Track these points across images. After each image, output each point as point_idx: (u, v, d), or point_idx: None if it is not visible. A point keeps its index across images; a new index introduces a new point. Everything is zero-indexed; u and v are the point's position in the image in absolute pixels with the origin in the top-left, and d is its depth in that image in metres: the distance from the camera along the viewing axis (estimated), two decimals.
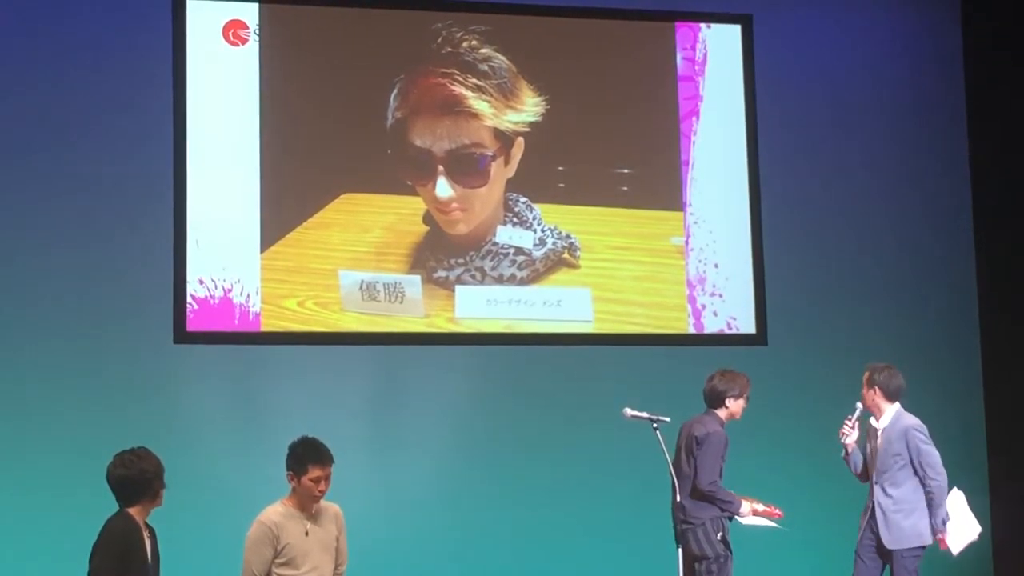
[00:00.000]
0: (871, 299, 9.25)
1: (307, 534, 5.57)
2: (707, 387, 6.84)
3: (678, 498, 6.56)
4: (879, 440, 6.90)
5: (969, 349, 9.36)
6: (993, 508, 9.10)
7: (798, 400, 8.64)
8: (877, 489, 6.84)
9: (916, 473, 6.82)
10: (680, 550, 6.56)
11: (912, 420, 6.91)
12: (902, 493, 6.81)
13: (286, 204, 8.51)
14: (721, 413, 6.80)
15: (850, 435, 6.94)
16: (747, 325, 9.04)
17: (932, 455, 6.84)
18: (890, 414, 6.92)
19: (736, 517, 6.70)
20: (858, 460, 7.01)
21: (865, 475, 7.02)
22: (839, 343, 8.84)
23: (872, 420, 6.98)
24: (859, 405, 6.93)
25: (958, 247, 9.43)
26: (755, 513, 6.72)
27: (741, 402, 6.82)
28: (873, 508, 6.84)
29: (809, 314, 9.09)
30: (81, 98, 8.26)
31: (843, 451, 7.01)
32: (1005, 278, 9.27)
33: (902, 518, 6.79)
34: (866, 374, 6.98)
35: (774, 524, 6.79)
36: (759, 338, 9.01)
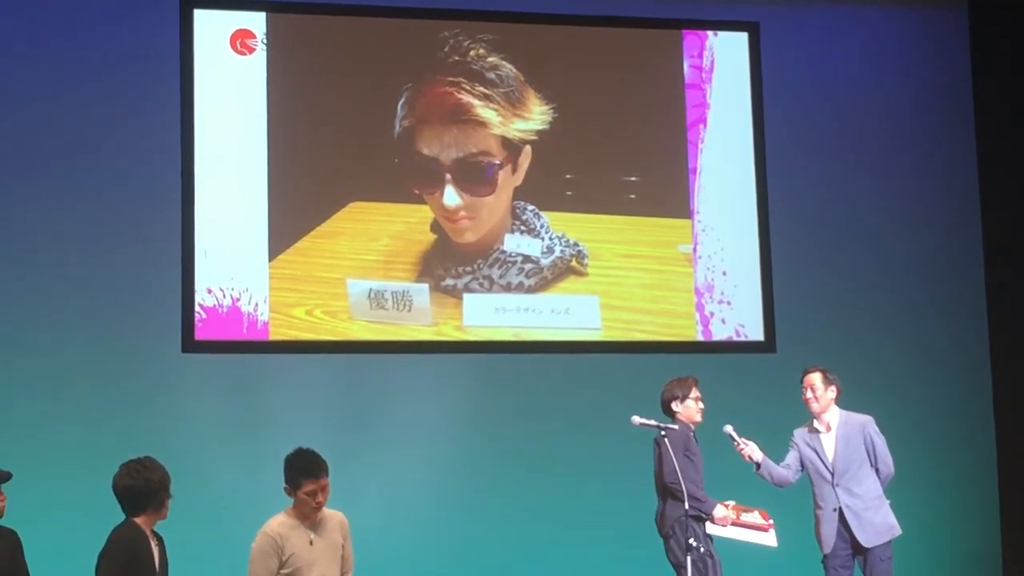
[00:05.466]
0: (880, 306, 9.24)
1: (311, 543, 5.57)
2: (660, 401, 6.92)
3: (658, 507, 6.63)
4: (834, 441, 6.94)
5: (978, 355, 9.34)
6: (1003, 513, 9.12)
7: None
8: (841, 491, 6.87)
9: (872, 465, 6.92)
10: (689, 558, 6.55)
11: (864, 415, 7.02)
12: (866, 489, 6.88)
13: (294, 213, 8.52)
14: (679, 418, 6.84)
15: (752, 449, 6.95)
16: (755, 332, 9.04)
17: (885, 444, 6.96)
18: (836, 414, 7.00)
19: (711, 523, 6.67)
20: (772, 468, 6.99)
21: (782, 482, 7.01)
22: (848, 350, 8.82)
23: (815, 423, 7.02)
24: (728, 426, 6.91)
25: (967, 253, 9.42)
26: (736, 523, 6.69)
27: (689, 403, 6.87)
28: (841, 512, 6.85)
29: (818, 321, 9.08)
30: (88, 107, 8.29)
31: (755, 467, 6.98)
32: (1014, 284, 9.26)
33: (872, 515, 6.86)
34: (816, 375, 7.01)
35: (759, 540, 6.74)
36: (768, 345, 9.02)
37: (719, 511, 6.67)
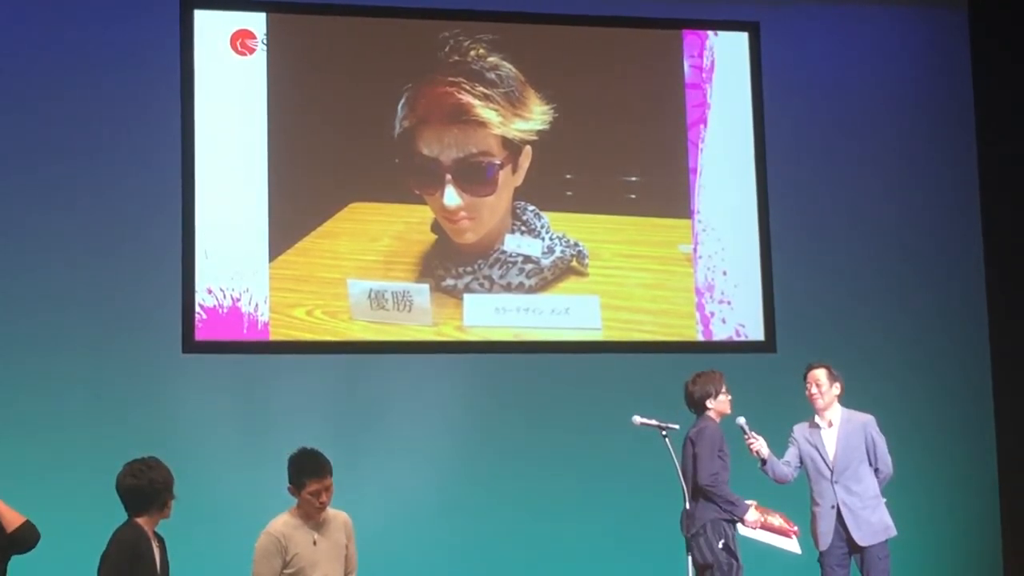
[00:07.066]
0: (880, 305, 9.24)
1: (315, 543, 5.57)
2: (687, 398, 6.90)
3: (686, 506, 6.58)
4: (835, 438, 6.95)
5: (978, 354, 9.35)
6: (1003, 513, 9.13)
7: (807, 407, 8.61)
8: (839, 489, 6.88)
9: (871, 464, 6.92)
10: (689, 558, 6.56)
11: (866, 415, 7.03)
12: (865, 488, 6.90)
13: (294, 213, 8.52)
14: (711, 414, 6.84)
15: (761, 444, 6.95)
16: (756, 332, 9.04)
17: (885, 445, 6.98)
18: (837, 412, 7.02)
19: (741, 524, 6.68)
20: (776, 464, 7.00)
21: (783, 479, 7.02)
22: (848, 350, 8.81)
23: (817, 418, 7.04)
24: (740, 419, 6.92)
25: (967, 253, 9.43)
26: (764, 526, 6.69)
27: (722, 398, 6.86)
28: (838, 509, 6.86)
29: (818, 321, 9.08)
30: (89, 108, 8.29)
31: (760, 463, 6.99)
32: (1014, 284, 9.27)
33: (870, 514, 6.87)
34: (822, 371, 7.04)
35: (784, 546, 6.75)
36: (768, 345, 9.02)
37: (751, 514, 6.67)
